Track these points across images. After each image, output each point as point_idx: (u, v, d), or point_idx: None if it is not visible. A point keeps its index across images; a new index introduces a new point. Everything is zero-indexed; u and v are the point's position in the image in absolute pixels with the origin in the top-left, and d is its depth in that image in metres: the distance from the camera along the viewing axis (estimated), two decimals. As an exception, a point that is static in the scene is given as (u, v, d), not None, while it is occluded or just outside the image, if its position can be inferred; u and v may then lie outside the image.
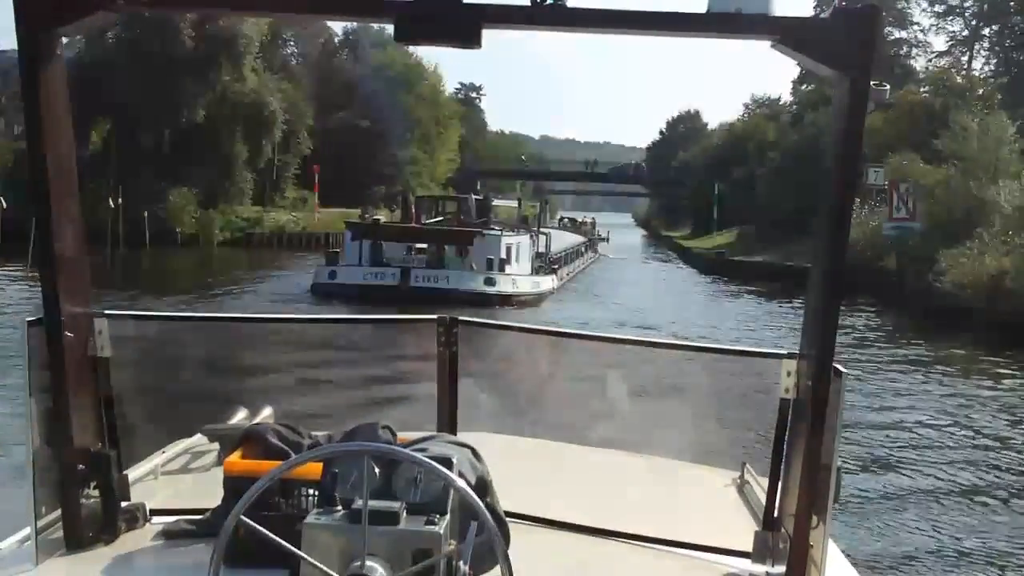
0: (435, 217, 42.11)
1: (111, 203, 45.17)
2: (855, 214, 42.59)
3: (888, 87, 3.25)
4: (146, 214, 51.14)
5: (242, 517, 2.39)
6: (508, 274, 35.57)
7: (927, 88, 59.14)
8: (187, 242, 56.87)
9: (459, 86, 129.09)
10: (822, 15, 2.95)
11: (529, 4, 2.81)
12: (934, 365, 23.00)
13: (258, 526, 2.41)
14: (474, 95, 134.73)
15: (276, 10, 3.57)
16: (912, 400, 18.77)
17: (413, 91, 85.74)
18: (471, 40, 2.84)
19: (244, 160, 63.71)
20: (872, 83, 2.82)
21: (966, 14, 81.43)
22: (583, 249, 61.47)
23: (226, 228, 61.44)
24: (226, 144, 62.33)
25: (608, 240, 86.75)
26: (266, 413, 4.18)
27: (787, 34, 2.80)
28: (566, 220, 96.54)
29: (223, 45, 60.71)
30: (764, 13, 2.78)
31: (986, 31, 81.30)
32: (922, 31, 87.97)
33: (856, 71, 2.79)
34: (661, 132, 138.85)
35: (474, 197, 44.23)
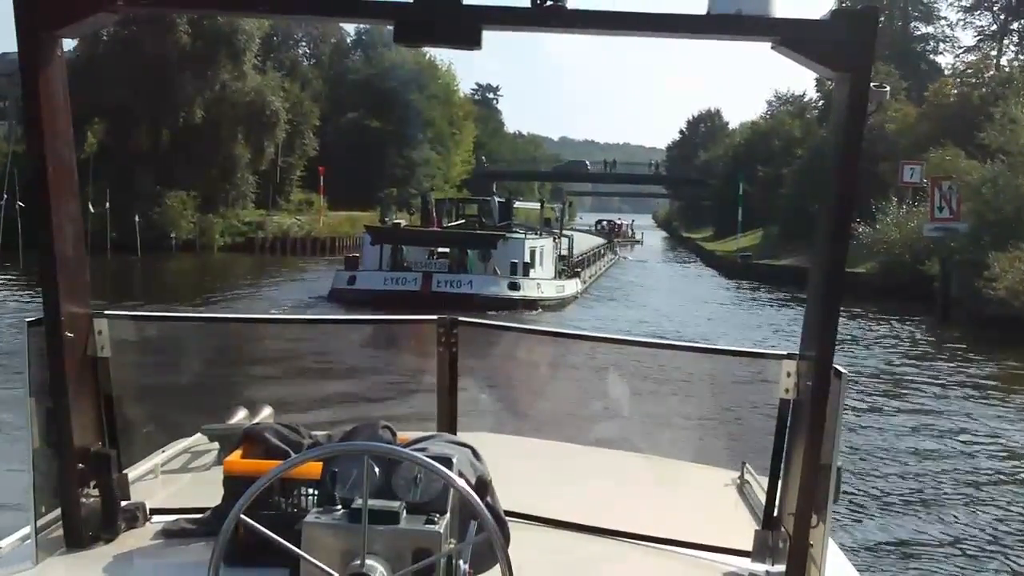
0: (455, 220, 41.89)
1: (92, 208, 44.04)
2: (892, 215, 42.64)
3: (888, 88, 3.38)
4: (137, 219, 50.23)
5: (242, 516, 2.48)
6: (532, 278, 35.44)
7: (958, 82, 58.66)
8: (184, 248, 56.13)
9: (476, 87, 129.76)
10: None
11: (530, 5, 2.89)
12: (986, 379, 22.10)
13: (258, 525, 2.50)
14: (491, 96, 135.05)
15: (275, 11, 3.62)
16: (957, 414, 18.12)
17: (426, 91, 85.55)
18: (471, 41, 2.92)
19: (246, 162, 63.14)
20: (872, 84, 2.94)
21: (995, 8, 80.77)
22: (603, 251, 61.54)
23: (226, 232, 60.66)
24: (226, 145, 61.80)
25: (642, 242, 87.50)
26: (266, 413, 4.27)
27: (787, 35, 2.90)
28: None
29: (221, 42, 60.29)
30: (764, 15, 2.87)
31: (1015, 25, 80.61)
32: (949, 26, 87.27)
33: (856, 72, 2.89)
34: (681, 132, 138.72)
35: (496, 199, 43.96)
